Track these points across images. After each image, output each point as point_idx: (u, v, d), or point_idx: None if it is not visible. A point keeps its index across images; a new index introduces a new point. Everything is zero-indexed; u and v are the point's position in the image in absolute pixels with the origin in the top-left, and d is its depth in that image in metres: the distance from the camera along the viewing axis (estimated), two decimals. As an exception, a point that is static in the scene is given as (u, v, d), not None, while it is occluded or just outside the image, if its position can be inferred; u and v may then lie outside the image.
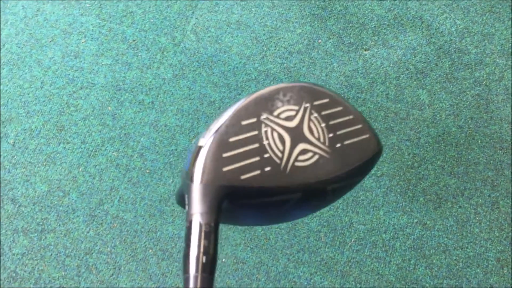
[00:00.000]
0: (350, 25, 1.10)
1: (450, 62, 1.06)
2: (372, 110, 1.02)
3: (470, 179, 0.96)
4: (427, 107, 1.02)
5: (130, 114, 1.04)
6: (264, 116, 0.39)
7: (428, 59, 1.07)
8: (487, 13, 1.11)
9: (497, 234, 0.93)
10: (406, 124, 1.01)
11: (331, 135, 0.40)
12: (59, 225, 0.96)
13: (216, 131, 0.37)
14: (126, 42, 1.11)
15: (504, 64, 1.05)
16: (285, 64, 1.07)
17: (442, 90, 1.04)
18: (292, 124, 0.40)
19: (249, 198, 0.38)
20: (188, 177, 0.36)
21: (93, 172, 1.00)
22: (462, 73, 1.05)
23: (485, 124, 1.00)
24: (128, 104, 1.05)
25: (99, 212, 0.97)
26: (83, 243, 0.95)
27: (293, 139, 0.39)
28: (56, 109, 1.06)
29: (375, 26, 1.10)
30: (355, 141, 0.42)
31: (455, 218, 0.94)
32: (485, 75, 1.05)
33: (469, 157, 0.98)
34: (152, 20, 1.13)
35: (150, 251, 0.94)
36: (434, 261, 0.91)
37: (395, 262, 0.91)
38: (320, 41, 1.09)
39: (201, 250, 0.33)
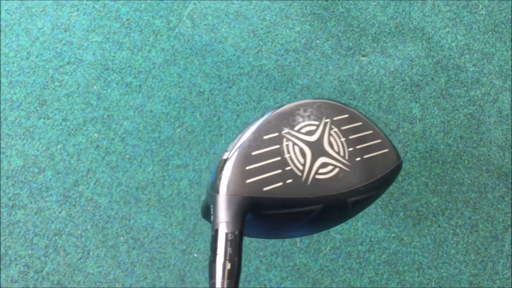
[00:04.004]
0: (351, 28, 1.08)
1: (446, 78, 1.04)
2: (362, 118, 1.00)
3: (453, 199, 0.95)
4: (418, 121, 1.01)
5: (116, 95, 1.02)
6: (285, 130, 0.40)
7: (425, 72, 1.05)
8: (490, 32, 1.09)
9: (473, 258, 0.92)
10: (395, 136, 0.99)
11: (351, 149, 0.42)
12: (31, 202, 0.94)
13: (240, 145, 0.39)
14: (119, 21, 1.07)
15: (501, 86, 1.04)
16: (279, 62, 1.05)
17: (435, 105, 1.02)
18: (313, 138, 0.41)
19: (272, 209, 0.39)
20: (214, 189, 0.38)
21: (71, 152, 0.97)
22: (458, 90, 1.04)
23: (474, 145, 0.99)
24: (115, 85, 1.02)
25: (73, 193, 0.94)
26: (53, 223, 0.93)
27: (313, 153, 0.40)
28: (40, 82, 1.02)
29: (375, 33, 1.08)
30: (374, 155, 0.43)
31: (432, 237, 0.93)
32: (480, 94, 1.03)
33: (454, 176, 0.97)
34: (148, 1, 1.09)
35: (122, 238, 0.92)
36: (406, 278, 0.90)
37: (367, 275, 0.90)
38: (318, 41, 1.07)
39: (227, 257, 0.35)
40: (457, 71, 1.05)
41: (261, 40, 1.07)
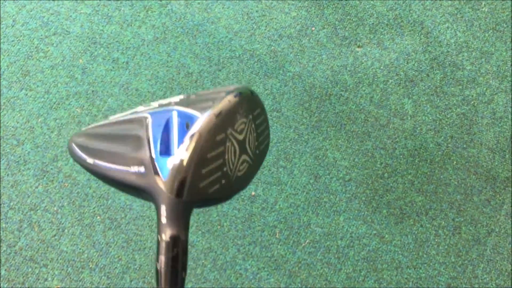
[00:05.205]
0: (348, 17, 1.05)
1: (442, 75, 1.02)
2: (353, 111, 0.98)
3: (438, 199, 0.94)
4: (409, 118, 0.98)
5: (102, 71, 0.99)
6: (229, 130, 0.38)
7: (421, 68, 1.02)
8: (490, 30, 1.06)
9: (453, 260, 0.91)
10: (384, 131, 0.97)
11: (256, 143, 0.42)
12: (8, 175, 0.92)
13: (197, 142, 0.35)
14: (110, -7, 1.04)
15: (497, 87, 1.02)
16: (272, 47, 1.02)
17: (428, 103, 1.00)
18: (241, 137, 0.40)
19: (204, 204, 0.39)
20: (168, 189, 0.35)
21: (52, 126, 0.95)
22: (452, 88, 1.01)
23: (464, 146, 0.97)
24: (101, 60, 0.99)
25: (51, 168, 0.92)
26: (29, 197, 0.91)
27: (240, 152, 0.39)
28: (24, 51, 0.99)
29: (373, 24, 1.05)
30: (263, 147, 0.44)
31: (414, 236, 0.91)
32: (475, 94, 1.01)
33: (441, 176, 0.95)
34: (141, -25, 1.05)
35: (98, 218, 0.90)
36: (384, 276, 0.89)
37: (345, 270, 0.89)
38: (313, 29, 1.04)
39: (180, 266, 0.34)
40: (454, 68, 1.02)
41: (255, 24, 1.03)
